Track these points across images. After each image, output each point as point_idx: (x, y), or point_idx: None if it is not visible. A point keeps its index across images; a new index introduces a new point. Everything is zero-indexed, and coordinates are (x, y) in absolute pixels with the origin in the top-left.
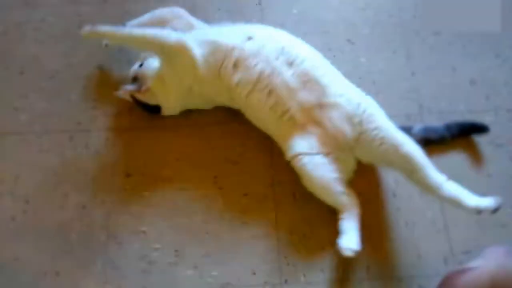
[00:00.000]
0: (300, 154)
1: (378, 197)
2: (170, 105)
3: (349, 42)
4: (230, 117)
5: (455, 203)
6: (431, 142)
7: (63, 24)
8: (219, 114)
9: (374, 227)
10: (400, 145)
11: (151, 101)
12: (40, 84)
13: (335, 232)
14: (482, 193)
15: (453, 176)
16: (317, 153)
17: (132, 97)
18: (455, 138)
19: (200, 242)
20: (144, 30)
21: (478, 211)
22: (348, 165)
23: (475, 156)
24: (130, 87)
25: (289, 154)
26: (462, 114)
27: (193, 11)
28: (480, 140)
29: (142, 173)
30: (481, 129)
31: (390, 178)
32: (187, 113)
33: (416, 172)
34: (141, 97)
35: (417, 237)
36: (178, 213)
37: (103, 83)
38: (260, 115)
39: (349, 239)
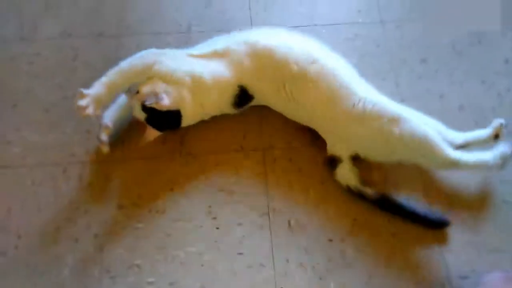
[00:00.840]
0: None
1: (374, 221)
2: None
3: None
4: (225, 147)
5: (479, 169)
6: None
7: (58, 57)
8: (213, 143)
9: (371, 254)
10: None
11: (172, 105)
12: (34, 117)
13: (333, 262)
14: (476, 217)
15: (446, 200)
16: None
17: (147, 112)
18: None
19: (195, 274)
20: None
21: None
22: None
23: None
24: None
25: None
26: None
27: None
28: None
29: (135, 205)
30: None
31: None
32: (181, 142)
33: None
34: (162, 103)
35: (414, 263)
36: (172, 244)
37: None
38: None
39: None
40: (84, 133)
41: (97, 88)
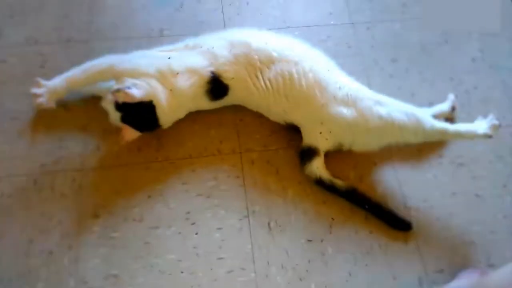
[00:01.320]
0: None
1: (351, 220)
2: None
3: None
4: (202, 151)
5: (468, 136)
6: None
7: (25, 64)
8: (189, 148)
9: (350, 252)
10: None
11: (144, 96)
12: (1, 126)
13: (313, 262)
14: (450, 213)
15: (418, 197)
16: None
17: (121, 109)
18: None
19: (175, 282)
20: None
21: (490, 134)
22: None
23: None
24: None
25: None
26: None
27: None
28: (442, 160)
29: (111, 213)
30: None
31: None
32: (157, 148)
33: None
34: (135, 95)
35: (391, 259)
36: (150, 253)
37: (68, 122)
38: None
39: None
40: (55, 142)
41: (56, 81)
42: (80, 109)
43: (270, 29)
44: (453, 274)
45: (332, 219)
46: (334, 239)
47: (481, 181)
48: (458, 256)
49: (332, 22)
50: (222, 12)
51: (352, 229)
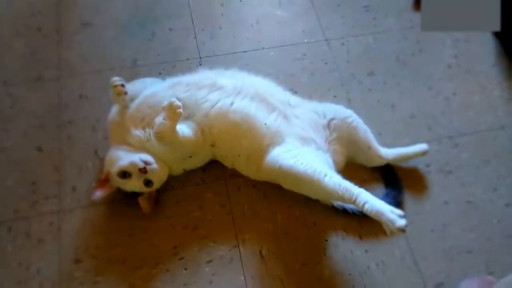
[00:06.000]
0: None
1: (345, 240)
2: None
3: (292, 91)
4: (184, 182)
5: (404, 159)
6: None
7: None
8: (171, 180)
9: (346, 273)
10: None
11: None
12: None
13: (307, 285)
14: (444, 223)
15: (411, 210)
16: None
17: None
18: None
19: None
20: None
21: (423, 153)
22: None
23: (426, 187)
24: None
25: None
26: (408, 146)
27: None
28: (430, 169)
29: (93, 256)
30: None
31: (354, 220)
32: None
33: (371, 145)
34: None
35: (390, 277)
36: None
37: (42, 165)
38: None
39: (391, 217)
40: (28, 185)
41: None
42: (53, 151)
43: (245, 51)
44: (453, 286)
45: (326, 240)
46: (330, 261)
47: (471, 187)
48: (457, 266)
49: (306, 40)
50: (195, 37)
51: (347, 249)
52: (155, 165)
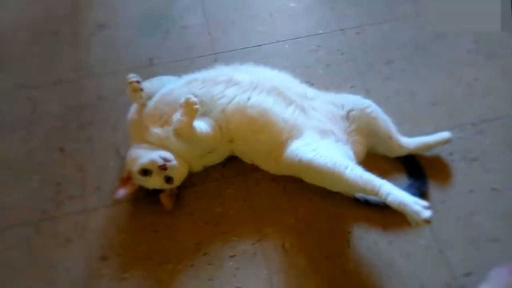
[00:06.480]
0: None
1: (368, 231)
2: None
3: (308, 83)
4: (205, 178)
5: (426, 148)
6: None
7: (16, 110)
8: (192, 176)
9: (371, 265)
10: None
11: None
12: None
13: (333, 279)
14: (470, 211)
15: (435, 199)
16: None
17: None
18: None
19: None
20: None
21: (446, 141)
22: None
23: (450, 175)
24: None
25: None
26: (430, 135)
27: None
28: (453, 157)
29: (119, 254)
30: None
31: (377, 211)
32: None
33: (392, 135)
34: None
35: (416, 268)
36: None
37: (65, 166)
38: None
39: (416, 208)
40: (53, 186)
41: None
42: (76, 149)
43: (259, 45)
44: (482, 276)
45: (349, 232)
46: (354, 253)
47: (496, 174)
48: (485, 255)
49: (320, 31)
50: (209, 34)
51: (371, 241)
52: (174, 162)
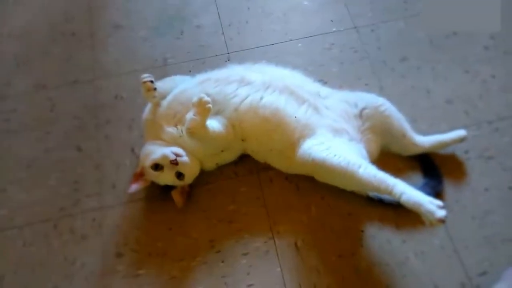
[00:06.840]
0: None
1: (381, 230)
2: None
3: (321, 82)
4: (218, 176)
5: (441, 146)
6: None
7: (35, 110)
8: (205, 174)
9: (384, 264)
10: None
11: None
12: (17, 175)
13: (347, 279)
14: (485, 210)
15: (450, 198)
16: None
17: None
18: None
19: None
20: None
21: (462, 139)
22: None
23: (466, 173)
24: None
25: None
26: (446, 133)
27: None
28: (469, 155)
29: (134, 250)
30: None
31: (390, 210)
32: None
33: (406, 133)
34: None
35: (430, 267)
36: (178, 286)
37: (82, 164)
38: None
39: (430, 208)
40: (71, 184)
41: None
42: (93, 148)
43: (272, 44)
44: (497, 275)
45: (362, 231)
46: (367, 252)
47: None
48: (500, 255)
49: (334, 29)
50: (223, 33)
51: (384, 239)
52: (185, 158)
